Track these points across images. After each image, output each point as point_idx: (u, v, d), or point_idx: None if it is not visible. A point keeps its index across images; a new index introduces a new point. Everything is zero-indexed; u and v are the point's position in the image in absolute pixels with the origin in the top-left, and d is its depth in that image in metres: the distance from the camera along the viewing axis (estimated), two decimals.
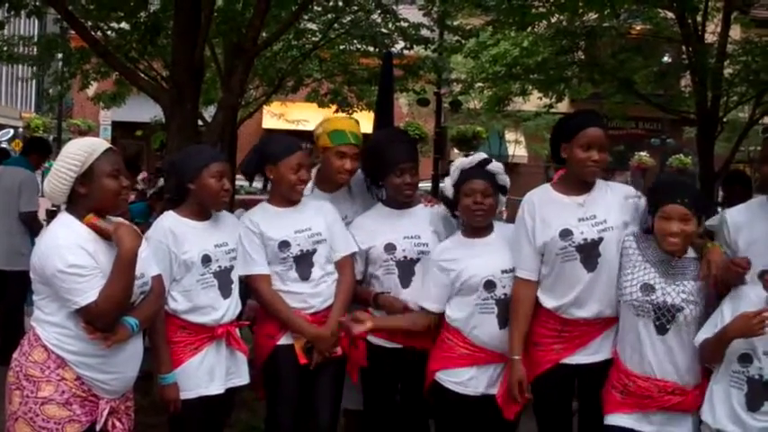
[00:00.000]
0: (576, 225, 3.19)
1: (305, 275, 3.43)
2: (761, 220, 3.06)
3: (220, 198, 3.27)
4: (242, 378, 3.40)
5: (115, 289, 2.66)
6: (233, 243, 3.36)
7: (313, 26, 9.72)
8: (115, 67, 6.03)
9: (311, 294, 3.43)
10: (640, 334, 3.03)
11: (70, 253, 2.65)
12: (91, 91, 11.41)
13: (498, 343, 3.32)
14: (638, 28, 9.65)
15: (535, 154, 23.29)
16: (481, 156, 3.44)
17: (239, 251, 3.39)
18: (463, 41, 10.10)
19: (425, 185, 12.99)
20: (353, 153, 3.64)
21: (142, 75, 6.74)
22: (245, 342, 3.45)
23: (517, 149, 23.98)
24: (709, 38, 8.46)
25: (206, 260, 3.24)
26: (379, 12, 9.34)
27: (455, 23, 10.22)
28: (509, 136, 23.63)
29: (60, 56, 10.06)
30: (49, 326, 2.73)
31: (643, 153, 24.15)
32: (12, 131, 29.38)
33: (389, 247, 3.55)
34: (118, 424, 2.80)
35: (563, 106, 10.89)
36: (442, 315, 3.42)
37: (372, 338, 3.56)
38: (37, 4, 6.42)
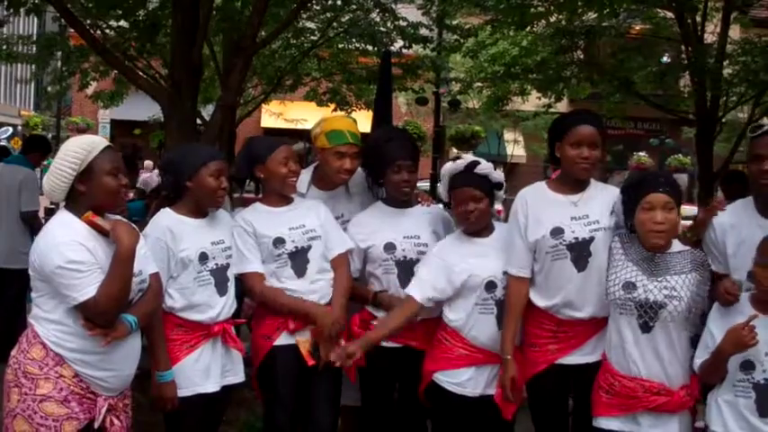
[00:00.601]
0: (568, 224, 3.19)
1: (300, 272, 3.43)
2: (748, 221, 3.05)
3: (218, 196, 3.27)
4: (238, 376, 3.40)
5: (114, 286, 2.66)
6: (229, 241, 3.36)
7: (312, 25, 9.72)
8: (114, 65, 6.02)
9: (307, 292, 3.42)
10: (625, 333, 3.03)
11: (69, 249, 2.65)
12: (90, 90, 11.39)
13: (496, 344, 3.32)
14: (638, 28, 9.65)
15: (534, 154, 23.29)
16: (467, 159, 3.41)
17: (234, 249, 3.40)
18: (462, 41, 10.11)
19: (424, 185, 12.98)
20: (353, 152, 3.63)
21: (141, 73, 6.72)
22: (244, 340, 3.44)
23: (516, 149, 23.97)
24: (709, 38, 8.47)
25: (203, 258, 3.24)
26: (377, 11, 9.34)
27: (454, 23, 10.22)
28: (508, 135, 23.62)
29: (59, 54, 10.04)
30: (48, 323, 2.73)
31: (642, 153, 24.14)
32: (11, 129, 29.36)
33: (389, 247, 3.54)
34: (116, 421, 2.80)
35: (562, 106, 10.88)
36: (439, 316, 3.41)
37: None
38: (36, 2, 6.41)
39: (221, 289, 3.29)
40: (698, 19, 8.15)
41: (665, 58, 10.61)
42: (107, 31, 7.60)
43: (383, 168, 3.57)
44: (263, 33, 6.59)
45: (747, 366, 2.82)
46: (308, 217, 3.49)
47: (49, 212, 7.97)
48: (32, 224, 6.03)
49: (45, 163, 7.26)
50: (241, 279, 3.44)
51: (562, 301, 3.20)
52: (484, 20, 9.12)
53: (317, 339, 3.41)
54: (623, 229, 3.17)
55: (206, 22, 5.43)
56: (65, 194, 2.77)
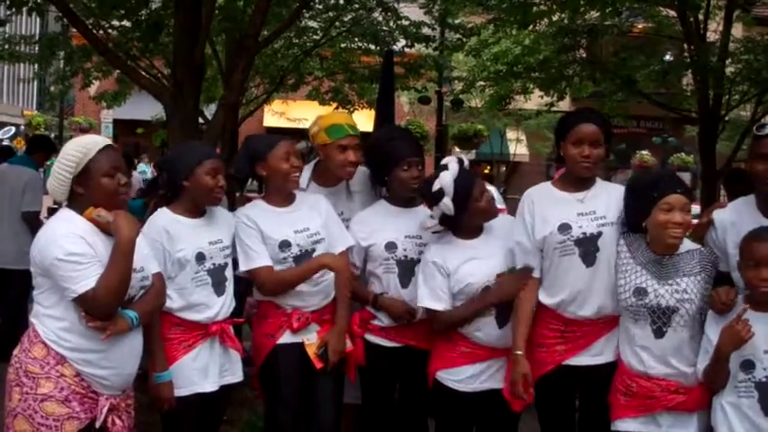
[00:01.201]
0: (575, 220, 3.19)
1: None
2: (749, 219, 3.03)
3: (215, 195, 3.26)
4: (236, 376, 3.39)
5: (113, 277, 2.67)
6: (227, 240, 3.35)
7: (314, 24, 9.71)
8: (116, 65, 6.02)
9: (310, 293, 3.42)
10: (639, 338, 3.03)
11: (69, 242, 2.67)
12: (92, 89, 11.40)
13: (497, 341, 3.32)
14: (640, 26, 9.64)
15: (536, 152, 23.28)
16: (456, 159, 3.41)
17: (239, 248, 3.38)
18: (464, 39, 10.08)
19: None
20: (354, 144, 3.62)
21: (143, 73, 6.72)
22: (246, 339, 3.44)
23: (518, 148, 23.97)
24: (711, 36, 8.45)
25: (200, 258, 3.23)
26: (380, 10, 9.33)
27: (456, 21, 10.20)
28: (510, 134, 23.62)
29: (62, 54, 10.05)
30: (49, 320, 2.73)
31: (645, 152, 24.13)
32: (13, 129, 29.40)
33: (390, 246, 3.54)
34: (118, 421, 2.80)
35: (564, 105, 10.87)
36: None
37: (370, 337, 3.57)
38: (38, 1, 6.41)
39: (219, 289, 3.28)
40: (700, 17, 8.12)
41: (667, 57, 10.59)
42: (110, 30, 7.61)
43: (391, 166, 3.55)
44: (265, 33, 6.57)
45: (748, 366, 2.81)
46: (311, 218, 3.47)
47: (52, 212, 7.98)
48: (32, 225, 6.04)
49: (48, 163, 7.27)
50: (251, 276, 3.41)
51: (570, 297, 3.18)
52: (486, 19, 9.10)
53: (325, 340, 3.40)
54: (624, 229, 3.17)
55: (208, 22, 5.42)
56: (65, 195, 2.80)
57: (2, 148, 8.97)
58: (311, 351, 3.39)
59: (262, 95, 11.45)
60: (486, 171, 23.03)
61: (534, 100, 10.99)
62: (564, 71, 9.38)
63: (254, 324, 3.61)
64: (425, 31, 9.80)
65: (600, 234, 3.17)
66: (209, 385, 3.25)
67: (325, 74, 11.03)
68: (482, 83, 11.00)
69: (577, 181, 3.27)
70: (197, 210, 3.30)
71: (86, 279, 2.65)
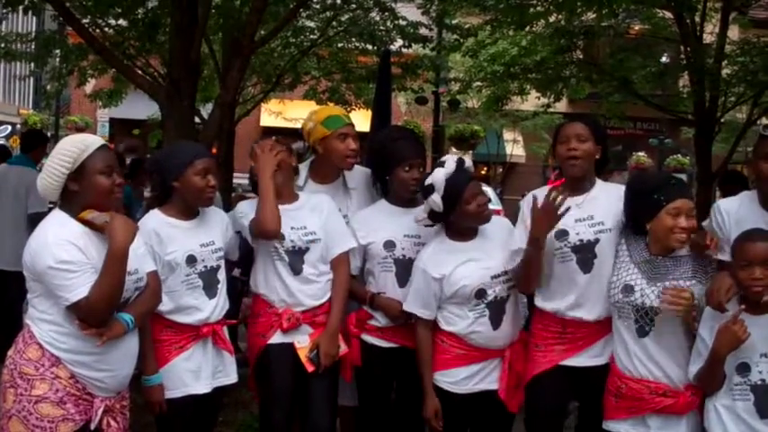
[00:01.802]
0: (572, 225, 3.18)
1: (296, 270, 3.42)
2: (753, 217, 3.03)
3: (206, 195, 3.23)
4: (229, 377, 3.37)
5: (106, 284, 2.64)
6: (220, 242, 3.33)
7: (311, 24, 9.70)
8: (112, 63, 6.01)
9: (301, 290, 3.41)
10: (625, 336, 3.04)
11: (60, 249, 2.64)
12: (88, 88, 11.37)
13: (492, 342, 3.32)
14: (637, 28, 9.65)
15: (533, 153, 23.27)
16: (455, 158, 3.40)
17: (234, 241, 3.39)
18: (461, 40, 10.08)
19: None
20: (353, 132, 3.64)
21: (140, 72, 6.71)
22: (243, 340, 3.43)
23: (515, 149, 23.95)
24: (708, 38, 8.46)
25: (191, 260, 3.21)
26: (377, 10, 9.33)
27: (453, 22, 10.20)
28: (507, 135, 23.60)
29: (58, 53, 10.03)
30: (44, 323, 2.72)
31: (641, 153, 24.13)
32: (9, 128, 29.31)
33: (389, 245, 3.54)
34: (113, 423, 2.78)
35: (561, 106, 10.90)
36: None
37: (366, 337, 3.56)
38: (34, 0, 6.40)
39: (211, 291, 3.26)
40: (697, 19, 8.13)
41: (664, 59, 10.61)
42: (106, 29, 7.59)
43: (393, 166, 3.55)
44: (262, 32, 6.57)
45: (743, 369, 2.81)
46: (310, 218, 3.46)
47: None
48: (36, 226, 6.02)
49: (43, 161, 7.26)
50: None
51: (568, 304, 3.18)
52: (483, 19, 9.10)
53: (317, 343, 3.39)
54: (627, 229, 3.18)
55: (204, 21, 5.42)
56: (58, 194, 2.75)
57: None
58: (302, 354, 3.38)
59: (258, 95, 11.44)
60: (483, 172, 23.01)
61: (531, 101, 11.01)
62: (561, 72, 9.39)
63: (249, 324, 3.61)
64: (423, 31, 9.80)
65: (597, 241, 3.16)
66: (202, 387, 3.23)
67: (322, 74, 11.03)
68: (479, 83, 11.00)
69: (574, 184, 3.26)
70: (189, 211, 3.27)
71: (79, 287, 2.62)
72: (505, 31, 9.09)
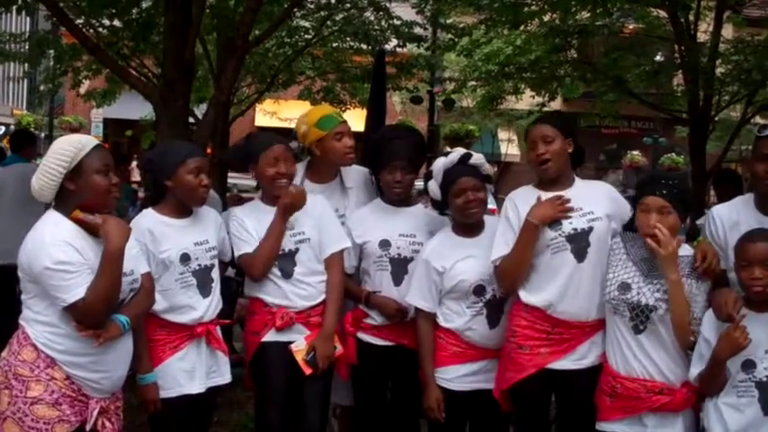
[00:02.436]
0: (563, 216, 3.18)
1: (287, 273, 3.41)
2: (747, 220, 3.04)
3: (199, 194, 3.23)
4: (224, 377, 3.37)
5: (103, 285, 2.63)
6: (214, 241, 3.32)
7: (306, 23, 9.70)
8: (106, 64, 5.99)
9: (294, 292, 3.41)
10: (620, 333, 3.04)
11: (57, 250, 2.62)
12: (83, 88, 11.35)
13: (489, 341, 3.33)
14: (631, 27, 9.65)
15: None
16: (461, 152, 3.43)
17: (227, 241, 3.38)
18: (456, 39, 10.08)
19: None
20: (348, 130, 3.65)
21: (134, 72, 6.70)
22: (238, 340, 3.42)
23: (510, 148, 23.97)
24: (702, 37, 8.46)
25: (185, 259, 3.20)
26: (371, 9, 9.33)
27: (448, 21, 10.21)
28: (502, 134, 23.62)
29: (51, 53, 10.00)
30: (39, 325, 2.71)
31: (635, 152, 24.17)
32: (3, 129, 29.22)
33: (384, 244, 3.54)
34: (108, 424, 2.78)
35: (556, 105, 10.88)
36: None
37: (362, 336, 3.57)
38: (27, 0, 6.38)
39: (205, 290, 3.25)
40: (691, 18, 8.14)
41: (658, 57, 10.62)
42: (100, 29, 7.57)
43: (379, 167, 3.58)
44: (256, 32, 6.56)
45: (748, 366, 2.81)
46: (300, 219, 3.45)
47: None
48: None
49: (36, 162, 7.24)
50: (240, 262, 3.40)
51: (559, 295, 3.15)
52: (478, 19, 9.10)
53: (313, 345, 3.39)
54: (615, 224, 3.19)
55: (199, 21, 5.40)
56: (54, 193, 2.74)
57: None
58: (299, 357, 3.37)
59: (253, 95, 11.43)
60: None
61: (526, 100, 11.00)
62: (555, 71, 9.39)
63: (245, 323, 3.61)
64: (417, 30, 9.81)
65: (591, 229, 3.17)
66: (197, 387, 3.23)
67: (317, 73, 11.03)
68: (474, 83, 11.00)
69: (552, 182, 3.26)
70: (183, 210, 3.27)
71: (76, 288, 2.61)
72: (500, 31, 9.09)
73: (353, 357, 3.55)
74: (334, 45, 10.34)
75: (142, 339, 3.09)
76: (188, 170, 3.18)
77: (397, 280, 3.53)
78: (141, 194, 8.98)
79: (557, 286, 3.16)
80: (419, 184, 3.78)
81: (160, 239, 3.17)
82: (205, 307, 3.25)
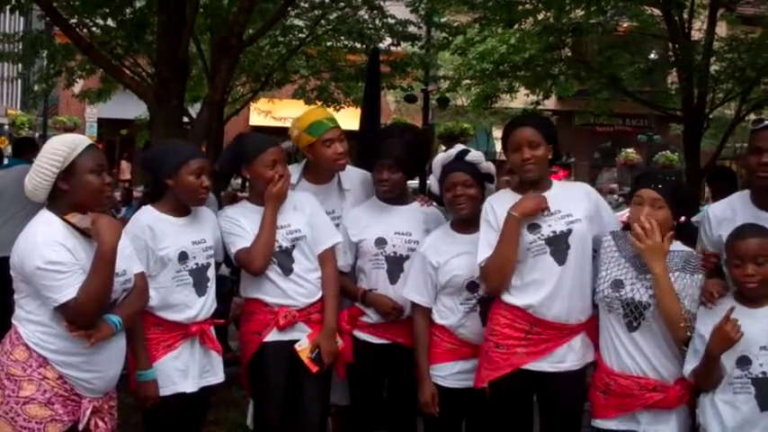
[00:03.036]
0: (542, 219, 3.17)
1: (287, 270, 3.41)
2: (743, 215, 3.05)
3: (199, 195, 3.23)
4: (217, 377, 3.36)
5: (95, 285, 2.62)
6: (211, 240, 3.32)
7: (300, 22, 9.70)
8: (100, 63, 5.99)
9: (294, 290, 3.41)
10: (614, 331, 3.03)
11: (49, 249, 2.62)
12: (76, 88, 11.33)
13: (482, 338, 3.31)
14: (625, 25, 9.68)
15: None
16: (459, 148, 3.44)
17: (225, 240, 3.38)
18: (450, 38, 10.09)
19: (413, 182, 12.88)
20: (339, 135, 3.63)
21: (128, 71, 6.68)
22: (233, 339, 3.42)
23: None
24: (696, 35, 8.49)
25: (183, 257, 3.20)
26: (366, 8, 9.33)
27: (442, 20, 10.22)
28: (496, 133, 23.61)
29: (45, 53, 9.97)
30: (31, 324, 2.69)
31: (630, 149, 24.24)
32: None
33: (380, 242, 3.54)
34: (101, 423, 2.77)
35: (550, 103, 10.92)
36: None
37: (359, 334, 3.56)
38: (21, 0, 6.36)
39: (201, 289, 3.25)
40: (685, 16, 8.17)
41: (652, 55, 10.65)
42: (93, 29, 7.56)
43: (370, 166, 3.60)
44: (250, 31, 6.56)
45: (744, 362, 2.80)
46: (293, 217, 3.46)
47: None
48: None
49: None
50: (239, 257, 3.38)
51: (540, 299, 3.13)
52: (472, 17, 9.12)
53: (317, 343, 3.39)
54: (593, 225, 3.19)
55: (192, 20, 5.39)
56: (47, 193, 2.73)
57: None
58: (304, 356, 3.37)
59: (247, 94, 11.43)
60: None
61: (520, 98, 11.03)
62: (549, 70, 9.42)
63: (242, 322, 3.60)
64: (411, 29, 9.82)
65: (570, 231, 3.16)
66: (190, 386, 3.22)
67: (311, 72, 11.03)
68: (468, 81, 11.01)
69: (531, 185, 3.24)
70: (181, 208, 3.27)
71: (68, 288, 2.60)
72: (494, 29, 9.11)
73: (350, 356, 3.55)
74: (329, 44, 10.34)
75: (140, 336, 3.09)
76: (190, 171, 3.18)
77: (393, 278, 3.52)
78: (136, 194, 8.97)
79: (537, 289, 3.14)
80: (414, 182, 3.79)
81: (160, 236, 3.17)
82: (200, 306, 3.25)
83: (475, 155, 3.40)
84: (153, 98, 5.17)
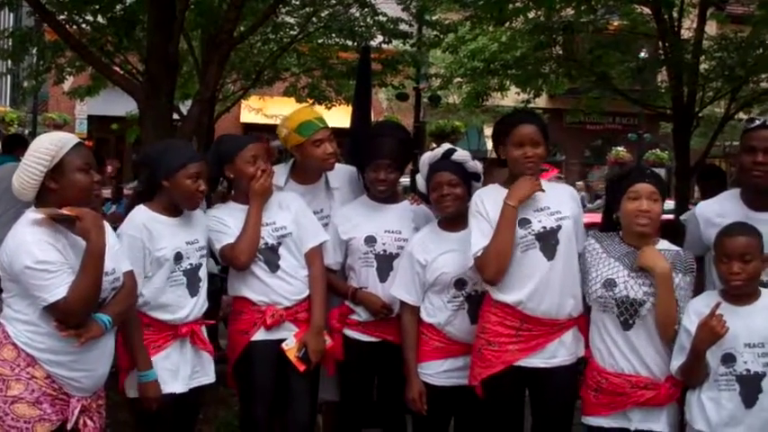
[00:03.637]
0: (532, 215, 3.19)
1: (274, 266, 3.42)
2: (734, 213, 3.07)
3: (195, 199, 3.23)
4: (208, 377, 3.37)
5: (84, 285, 2.61)
6: (203, 240, 3.33)
7: (291, 20, 9.68)
8: (89, 60, 5.95)
9: (280, 286, 3.42)
10: (607, 330, 3.05)
11: (38, 249, 2.60)
12: (66, 85, 11.27)
13: (471, 336, 3.32)
14: (615, 24, 9.68)
15: None
16: (445, 147, 3.44)
17: (212, 238, 3.38)
18: (442, 36, 10.10)
19: (404, 180, 12.88)
20: (328, 135, 3.63)
21: (118, 69, 6.66)
22: (222, 338, 3.42)
23: None
24: (686, 34, 8.50)
25: (178, 258, 3.20)
26: (357, 6, 9.32)
27: (434, 18, 10.21)
28: (488, 131, 23.64)
29: (35, 49, 9.92)
30: (19, 323, 2.68)
31: (620, 148, 24.29)
32: None
33: (369, 240, 3.55)
34: (89, 422, 2.76)
35: (541, 101, 10.94)
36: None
37: (348, 332, 3.57)
38: None
39: (193, 289, 3.25)
40: (675, 15, 8.18)
41: (642, 54, 10.66)
42: (83, 26, 7.52)
43: (365, 165, 3.60)
44: (241, 28, 6.53)
45: (728, 359, 2.83)
46: (279, 215, 3.46)
47: None
48: None
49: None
50: (224, 252, 3.38)
51: (530, 294, 3.14)
52: (463, 15, 9.12)
53: (304, 342, 3.39)
54: (577, 226, 3.21)
55: (182, 17, 5.38)
56: (35, 192, 2.71)
57: None
58: (291, 355, 3.38)
59: (238, 91, 11.40)
60: None
61: (511, 97, 11.02)
62: (540, 68, 9.41)
63: (230, 321, 3.60)
64: (403, 27, 9.81)
65: (559, 228, 3.18)
66: (180, 386, 3.22)
67: (302, 70, 11.01)
68: (459, 79, 11.00)
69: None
70: (174, 209, 3.26)
71: (57, 288, 2.59)
72: (485, 28, 9.10)
73: (340, 354, 3.55)
74: (320, 41, 10.32)
75: (138, 337, 3.09)
76: (188, 175, 3.17)
77: (383, 276, 3.54)
78: (126, 191, 8.93)
79: (527, 284, 3.15)
80: (405, 180, 3.79)
81: (156, 237, 3.17)
82: (192, 306, 3.25)
83: (461, 154, 3.41)
84: (143, 95, 5.15)
